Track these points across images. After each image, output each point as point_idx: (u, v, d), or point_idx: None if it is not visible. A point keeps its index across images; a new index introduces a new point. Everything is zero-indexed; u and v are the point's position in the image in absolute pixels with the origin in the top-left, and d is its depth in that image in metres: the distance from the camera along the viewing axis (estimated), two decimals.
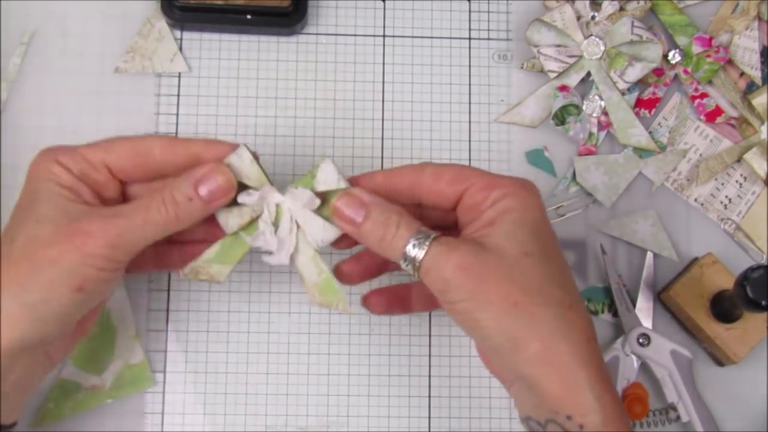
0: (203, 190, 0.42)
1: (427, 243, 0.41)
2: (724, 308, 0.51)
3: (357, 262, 0.47)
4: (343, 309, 0.46)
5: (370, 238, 0.42)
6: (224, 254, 0.45)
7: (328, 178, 0.44)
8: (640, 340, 0.52)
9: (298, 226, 0.45)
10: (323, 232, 0.45)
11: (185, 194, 0.42)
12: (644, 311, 0.53)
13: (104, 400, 0.50)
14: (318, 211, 0.45)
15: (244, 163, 0.44)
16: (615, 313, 0.53)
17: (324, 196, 0.45)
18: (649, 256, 0.54)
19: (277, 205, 0.45)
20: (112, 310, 0.51)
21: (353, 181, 0.45)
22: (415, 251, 0.41)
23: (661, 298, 0.54)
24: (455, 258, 0.40)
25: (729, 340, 0.51)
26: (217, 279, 0.46)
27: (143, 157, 0.44)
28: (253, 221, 0.45)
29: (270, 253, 0.45)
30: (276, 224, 0.45)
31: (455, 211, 0.44)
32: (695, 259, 0.54)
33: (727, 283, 0.51)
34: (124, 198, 0.45)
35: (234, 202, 0.44)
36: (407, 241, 0.41)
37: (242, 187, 0.44)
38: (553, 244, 0.42)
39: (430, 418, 0.52)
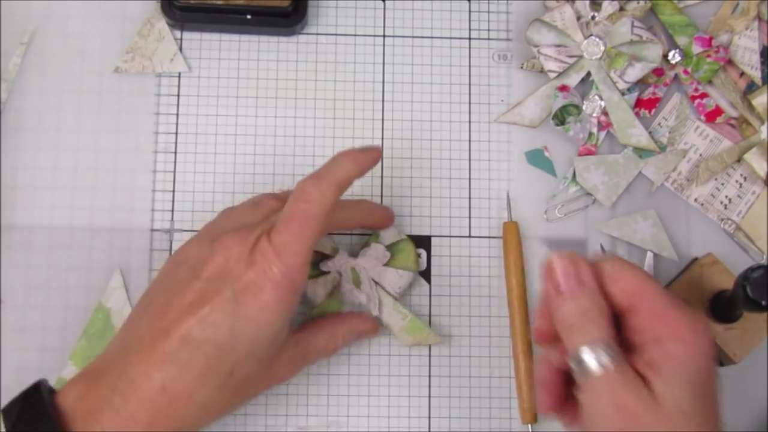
0: (358, 335, 0.51)
1: (607, 359, 0.38)
2: (724, 308, 0.51)
3: (545, 391, 0.43)
4: (434, 341, 0.52)
5: (562, 317, 0.40)
6: None
7: (390, 233, 0.52)
8: None
9: (376, 283, 0.51)
10: (399, 279, 0.52)
11: (347, 342, 0.50)
12: None
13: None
14: (388, 264, 0.52)
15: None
16: None
17: (390, 249, 0.52)
18: (649, 256, 0.54)
19: (353, 269, 0.51)
20: (112, 311, 0.51)
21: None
22: (592, 361, 0.38)
23: None
24: (623, 396, 0.38)
25: (729, 340, 0.51)
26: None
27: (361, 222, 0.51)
28: (335, 289, 0.51)
29: (359, 306, 0.52)
30: (356, 284, 0.51)
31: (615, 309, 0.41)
32: (695, 259, 0.54)
33: (727, 283, 0.51)
34: None
35: (315, 273, 0.51)
36: (589, 343, 0.39)
37: (320, 257, 0.51)
38: (713, 401, 0.39)
39: (430, 418, 0.52)
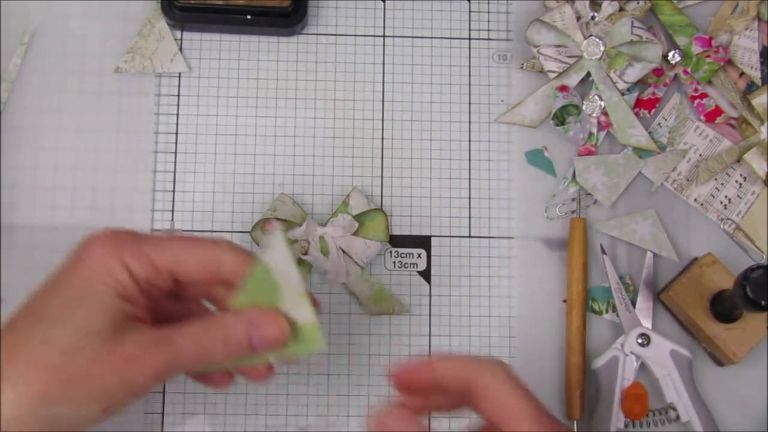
0: (256, 340, 0.41)
1: None
2: (723, 308, 0.51)
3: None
4: (401, 310, 0.53)
5: None
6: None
7: (359, 203, 0.53)
8: (640, 340, 0.52)
9: (344, 252, 0.52)
10: (367, 249, 0.52)
11: (238, 340, 0.40)
12: (644, 311, 0.53)
13: (266, 358, 0.43)
14: (356, 233, 0.52)
15: (286, 205, 0.53)
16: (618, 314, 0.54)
17: (359, 219, 0.52)
18: (649, 256, 0.54)
19: (321, 237, 0.52)
20: (272, 268, 0.42)
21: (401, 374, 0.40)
22: None
23: (661, 298, 0.54)
24: None
25: (729, 340, 0.51)
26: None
27: (213, 269, 0.41)
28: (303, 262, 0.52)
29: (325, 274, 0.52)
30: (324, 253, 0.52)
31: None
32: (695, 259, 0.54)
33: (727, 283, 0.51)
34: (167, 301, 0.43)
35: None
36: None
37: (289, 225, 0.51)
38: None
39: (430, 418, 0.52)
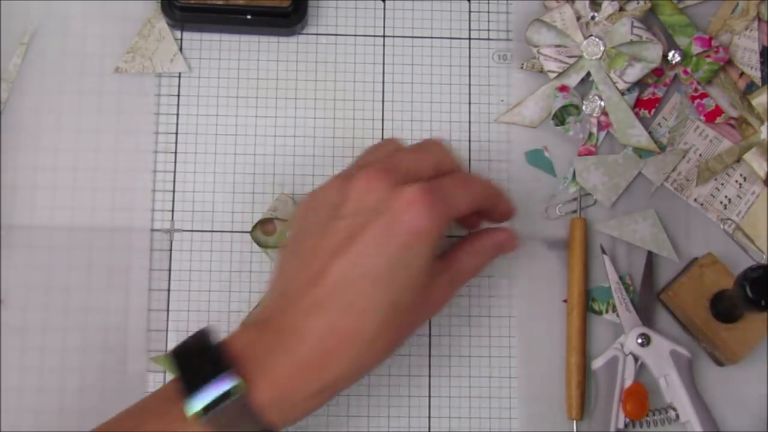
0: (493, 252, 0.49)
1: None
2: (724, 308, 0.51)
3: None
4: None
5: None
6: None
7: None
8: (640, 340, 0.52)
9: None
10: None
11: (493, 256, 0.49)
12: (644, 311, 0.53)
13: None
14: None
15: (286, 205, 0.52)
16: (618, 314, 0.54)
17: None
18: (649, 256, 0.54)
19: None
20: None
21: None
22: None
23: (661, 298, 0.54)
24: None
25: (729, 340, 0.51)
26: None
27: (482, 210, 0.47)
28: None
29: None
30: None
31: None
32: (695, 259, 0.54)
33: (727, 283, 0.51)
34: None
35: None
36: None
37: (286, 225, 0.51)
38: None
39: (430, 418, 0.52)
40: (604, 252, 0.54)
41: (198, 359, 0.40)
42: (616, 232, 0.54)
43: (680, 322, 0.54)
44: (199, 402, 0.39)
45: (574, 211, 0.55)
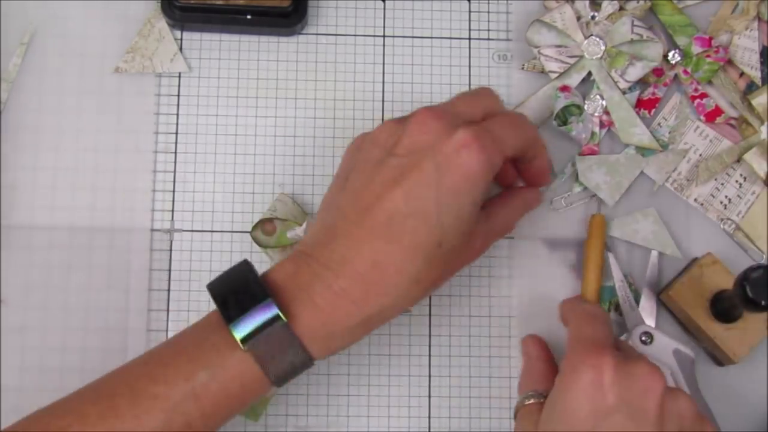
0: (524, 209, 0.51)
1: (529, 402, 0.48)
2: (724, 308, 0.51)
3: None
4: None
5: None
6: None
7: None
8: (643, 338, 0.52)
9: None
10: None
11: (522, 213, 0.51)
12: (647, 310, 0.53)
13: None
14: None
15: (286, 205, 0.53)
16: (621, 312, 0.54)
17: None
18: (654, 255, 0.54)
19: None
20: None
21: None
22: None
23: (661, 298, 0.54)
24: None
25: (729, 340, 0.51)
26: None
27: (525, 157, 0.47)
28: None
29: None
30: None
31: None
32: (695, 259, 0.54)
33: (727, 283, 0.51)
34: None
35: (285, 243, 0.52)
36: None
37: (288, 226, 0.52)
38: None
39: (430, 418, 0.52)
40: (608, 250, 0.54)
41: (240, 289, 0.41)
42: (617, 233, 0.54)
43: (680, 322, 0.54)
44: (240, 330, 0.40)
45: (579, 201, 0.55)
